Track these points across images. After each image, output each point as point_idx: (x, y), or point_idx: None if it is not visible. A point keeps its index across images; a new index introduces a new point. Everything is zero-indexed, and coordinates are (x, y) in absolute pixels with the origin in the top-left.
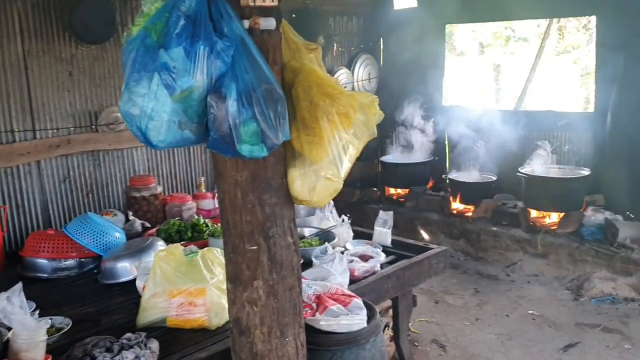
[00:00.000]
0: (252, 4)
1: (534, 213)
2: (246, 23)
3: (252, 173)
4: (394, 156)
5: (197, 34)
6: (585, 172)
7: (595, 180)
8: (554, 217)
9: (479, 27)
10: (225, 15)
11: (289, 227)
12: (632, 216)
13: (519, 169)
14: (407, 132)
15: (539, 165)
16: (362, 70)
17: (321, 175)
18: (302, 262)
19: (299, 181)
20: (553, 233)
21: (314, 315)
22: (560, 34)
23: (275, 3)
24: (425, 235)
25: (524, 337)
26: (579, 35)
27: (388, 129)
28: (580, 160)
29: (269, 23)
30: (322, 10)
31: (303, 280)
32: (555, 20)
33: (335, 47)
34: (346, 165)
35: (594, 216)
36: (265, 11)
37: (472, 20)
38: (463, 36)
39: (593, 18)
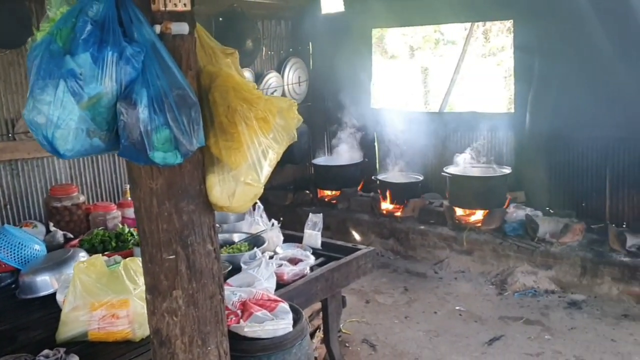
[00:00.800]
0: (163, 8)
1: (459, 211)
2: (157, 28)
3: (168, 180)
4: (325, 159)
5: (105, 39)
6: (507, 170)
7: (516, 178)
8: (478, 215)
9: (409, 30)
10: (135, 20)
11: (208, 234)
12: (552, 211)
13: (444, 169)
14: (338, 134)
15: (463, 165)
16: (292, 74)
17: (240, 180)
18: (230, 268)
19: (218, 187)
20: (477, 230)
21: (238, 322)
22: (485, 37)
23: (188, 8)
24: (356, 236)
25: (451, 332)
26: (504, 39)
27: (319, 132)
28: (502, 159)
29: (181, 28)
30: (250, 13)
31: (227, 287)
32: (481, 24)
33: (264, 51)
34: (266, 170)
35: (516, 213)
36: (178, 16)
37: (398, 24)
38: (394, 40)
39: (511, 22)
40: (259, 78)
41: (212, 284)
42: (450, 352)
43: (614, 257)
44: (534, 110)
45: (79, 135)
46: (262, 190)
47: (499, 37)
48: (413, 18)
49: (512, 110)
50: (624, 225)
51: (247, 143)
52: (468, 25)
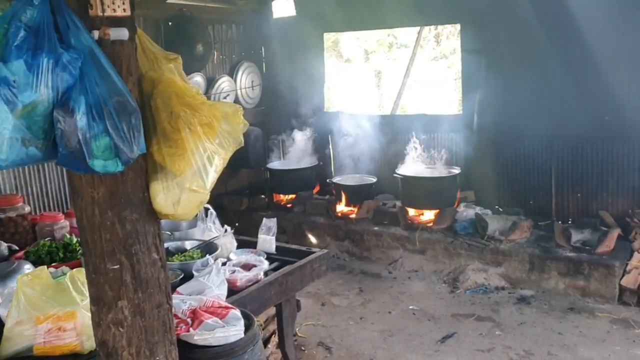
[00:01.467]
0: (101, 14)
1: (411, 211)
2: (95, 34)
3: (110, 189)
4: (280, 163)
5: (40, 45)
6: (457, 170)
7: (466, 178)
8: (429, 215)
9: (363, 34)
10: (72, 26)
11: (153, 243)
12: (500, 210)
13: (396, 171)
14: (293, 138)
15: (414, 166)
16: (245, 78)
17: (185, 187)
18: (182, 276)
19: (162, 195)
20: (429, 229)
21: (188, 330)
22: (437, 41)
23: (128, 13)
24: (312, 239)
25: (404, 331)
26: (454, 42)
27: (274, 136)
28: (453, 159)
29: (120, 33)
30: (200, 18)
31: (177, 295)
32: (433, 28)
33: (215, 55)
34: (212, 176)
35: (466, 212)
36: (117, 21)
37: (350, 29)
38: (349, 43)
39: (458, 26)
40: (210, 82)
41: (158, 293)
42: (405, 351)
43: (559, 253)
44: (482, 112)
45: (13, 145)
46: (208, 197)
47: (449, 40)
48: (365, 22)
49: (461, 112)
50: (569, 222)
51: (191, 149)
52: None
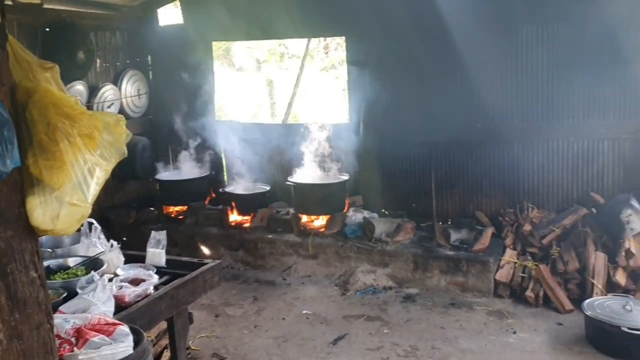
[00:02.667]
0: None
1: (304, 218)
2: None
3: None
4: (170, 173)
5: None
6: (345, 177)
7: (354, 184)
8: (321, 220)
9: (255, 44)
10: None
11: (31, 260)
12: (386, 213)
13: (289, 178)
14: (183, 148)
15: (306, 173)
16: (130, 86)
17: (65, 201)
18: (66, 294)
19: (40, 210)
20: (321, 235)
21: (72, 350)
22: (325, 52)
23: None
24: (205, 250)
25: (298, 336)
26: (342, 53)
27: (163, 146)
28: (342, 166)
29: None
30: (81, 24)
31: (59, 315)
32: (322, 39)
33: (98, 63)
34: (94, 189)
35: (355, 216)
36: None
37: (239, 38)
38: (241, 52)
39: (344, 39)
40: (93, 91)
41: (38, 313)
42: (298, 355)
43: (440, 252)
44: (366, 120)
45: None
46: (90, 211)
47: (337, 51)
48: (253, 32)
49: (348, 121)
50: (449, 222)
51: (70, 161)
52: (308, 40)
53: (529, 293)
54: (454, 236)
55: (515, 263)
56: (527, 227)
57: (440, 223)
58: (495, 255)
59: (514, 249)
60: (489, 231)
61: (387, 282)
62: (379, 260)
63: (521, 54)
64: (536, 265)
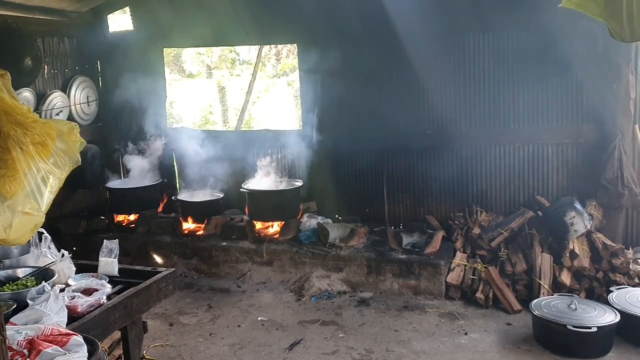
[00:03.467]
0: None
1: (258, 224)
2: None
3: None
4: (121, 182)
5: None
6: (299, 183)
7: (308, 190)
8: (275, 227)
9: (205, 50)
10: None
11: None
12: (340, 218)
13: (242, 185)
14: (133, 155)
15: (259, 180)
16: (80, 93)
17: (18, 210)
18: (15, 306)
19: None
20: (276, 241)
21: None
22: (277, 59)
23: None
24: (158, 259)
25: (254, 343)
26: (293, 60)
27: (113, 154)
28: (295, 172)
29: None
30: (27, 30)
31: (11, 326)
32: (273, 45)
33: (46, 70)
34: (48, 197)
35: (309, 222)
36: None
37: (190, 45)
38: (191, 58)
39: (295, 46)
40: (41, 98)
41: None
42: None
43: (393, 256)
44: (320, 127)
45: None
46: (43, 219)
47: (289, 58)
48: (205, 38)
49: (301, 128)
50: (401, 226)
51: (23, 170)
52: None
53: (479, 294)
54: (406, 240)
55: (466, 265)
56: (476, 230)
57: (393, 227)
58: (446, 258)
59: (464, 251)
60: (440, 235)
61: (342, 287)
62: (333, 265)
63: (468, 61)
64: (485, 267)
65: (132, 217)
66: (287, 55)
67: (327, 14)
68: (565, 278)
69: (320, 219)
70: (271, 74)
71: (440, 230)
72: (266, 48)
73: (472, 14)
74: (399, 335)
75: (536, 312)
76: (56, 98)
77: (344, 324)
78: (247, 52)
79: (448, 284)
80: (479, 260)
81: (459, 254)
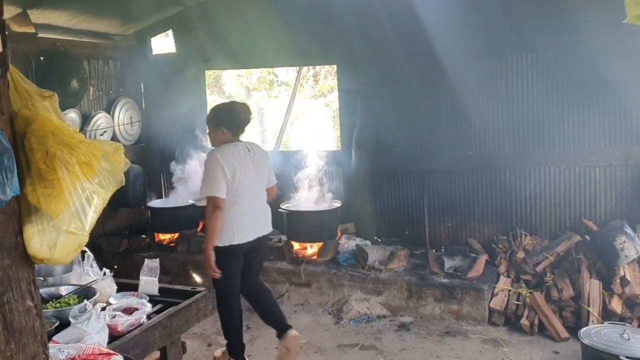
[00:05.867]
0: None
1: (296, 245)
2: None
3: None
4: (162, 201)
5: None
6: (337, 204)
7: (346, 211)
8: (313, 248)
9: (244, 72)
10: None
11: (27, 289)
12: (379, 240)
13: (280, 205)
14: (175, 175)
15: (297, 201)
16: (123, 114)
17: (63, 229)
18: (58, 324)
19: (37, 238)
20: (314, 262)
21: None
22: (315, 80)
23: (0, 49)
24: (197, 279)
25: None
26: (331, 81)
27: (155, 174)
28: (334, 193)
29: None
30: (74, 53)
31: (53, 344)
32: (311, 67)
33: (91, 91)
34: (91, 217)
35: (347, 243)
36: None
37: (231, 67)
38: (230, 80)
39: (335, 67)
40: (86, 119)
41: (34, 343)
42: None
43: (434, 279)
44: (358, 148)
45: None
46: (87, 239)
47: (327, 79)
48: (245, 61)
49: (340, 148)
50: (442, 250)
51: (68, 189)
52: (298, 68)
53: (524, 321)
54: (448, 264)
55: (510, 290)
56: (520, 255)
57: (434, 250)
58: (490, 282)
59: (508, 276)
60: (483, 258)
61: (381, 311)
62: (373, 288)
63: (511, 81)
64: (530, 292)
65: (172, 236)
66: (326, 76)
67: (366, 35)
68: (616, 305)
69: (358, 241)
70: (309, 95)
71: (483, 254)
72: (305, 69)
73: (515, 34)
74: None
75: (586, 341)
76: (101, 119)
77: (384, 348)
78: (286, 73)
79: (491, 310)
80: (523, 285)
81: (502, 279)
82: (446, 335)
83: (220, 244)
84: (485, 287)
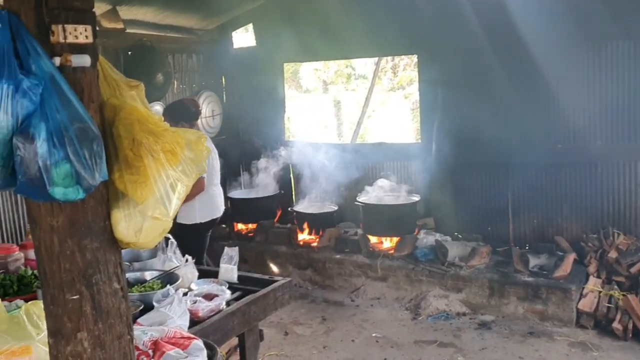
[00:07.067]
0: (63, 40)
1: (372, 239)
2: (57, 60)
3: (70, 217)
4: (241, 192)
5: (0, 72)
6: (416, 198)
7: (425, 205)
8: (390, 242)
9: (322, 65)
10: (32, 52)
11: (114, 272)
12: (460, 236)
13: (357, 198)
14: (254, 167)
15: (375, 194)
16: (206, 108)
17: (148, 215)
18: (142, 307)
19: (124, 223)
20: (391, 257)
21: None
22: (394, 72)
23: (90, 40)
24: (274, 268)
25: (368, 359)
26: (411, 72)
27: (235, 165)
28: (412, 187)
29: (82, 60)
30: (160, 47)
31: (138, 326)
32: (390, 58)
33: (175, 85)
34: (175, 204)
35: (426, 238)
36: (79, 48)
37: (309, 59)
38: (308, 74)
39: (416, 57)
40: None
41: (119, 324)
42: None
43: (518, 278)
44: (439, 140)
45: None
46: (171, 224)
47: (405, 71)
48: (324, 52)
49: (420, 141)
50: (526, 247)
51: (153, 176)
52: (376, 60)
53: (616, 325)
54: (533, 262)
55: (600, 292)
56: (612, 254)
57: (518, 248)
58: (578, 283)
59: (598, 277)
60: (571, 257)
61: (461, 308)
62: (452, 285)
63: (605, 70)
64: (624, 295)
65: (251, 226)
66: (405, 68)
67: (448, 24)
68: None
69: (438, 236)
70: (387, 87)
71: (571, 253)
72: (383, 62)
73: (611, 20)
74: None
75: None
76: None
77: (463, 346)
78: (363, 66)
79: (580, 311)
80: (615, 287)
81: (592, 279)
82: (530, 336)
83: (202, 220)
84: (573, 288)
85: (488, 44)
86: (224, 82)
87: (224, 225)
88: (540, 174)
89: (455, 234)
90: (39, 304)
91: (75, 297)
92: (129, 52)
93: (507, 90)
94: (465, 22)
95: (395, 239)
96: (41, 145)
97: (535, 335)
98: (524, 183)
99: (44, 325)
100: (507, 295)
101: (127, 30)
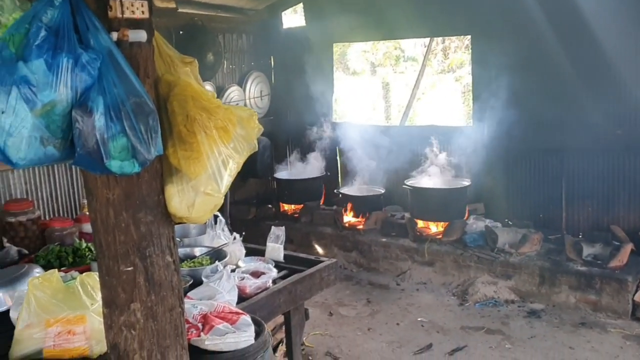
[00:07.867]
0: (120, 15)
1: (420, 223)
2: (114, 35)
3: (125, 190)
4: (288, 173)
5: (60, 45)
6: (466, 182)
7: (475, 190)
8: (438, 226)
9: (370, 47)
10: (91, 26)
11: (167, 245)
12: (510, 222)
13: (405, 182)
14: (300, 148)
15: (423, 178)
16: (254, 88)
17: (200, 190)
18: (191, 282)
19: (177, 198)
20: (438, 241)
21: (199, 335)
22: (444, 54)
23: (147, 15)
24: (319, 249)
25: (413, 343)
26: (462, 55)
27: (282, 146)
28: (462, 171)
29: (139, 35)
30: (211, 27)
31: (188, 300)
32: (440, 40)
33: (225, 65)
34: (226, 180)
35: (476, 224)
36: (135, 23)
37: (358, 39)
38: (356, 56)
39: (469, 38)
40: (220, 92)
41: (171, 296)
42: None
43: (570, 267)
44: (492, 124)
45: (32, 144)
46: (222, 201)
47: (456, 53)
48: (373, 33)
49: (471, 124)
50: (580, 236)
51: (206, 152)
52: (427, 41)
53: None
54: (587, 251)
55: None
56: None
57: (571, 236)
58: (635, 274)
59: None
60: (628, 247)
61: (510, 295)
62: (502, 272)
63: None
64: None
65: (297, 207)
66: (456, 50)
67: (504, 2)
68: None
69: (488, 222)
70: (438, 69)
71: (628, 243)
72: (434, 44)
73: None
74: (575, 353)
75: None
76: (233, 92)
77: (511, 334)
78: (413, 47)
79: (636, 303)
80: None
81: None
82: (581, 327)
83: None
84: (630, 279)
85: (548, 24)
86: (272, 63)
87: (269, 206)
88: (597, 160)
89: (506, 220)
90: (93, 276)
91: (129, 268)
92: (181, 32)
93: (567, 73)
94: (522, 2)
95: (443, 224)
96: (99, 118)
97: (587, 325)
98: (580, 169)
99: (97, 296)
100: (559, 284)
101: (179, 10)
